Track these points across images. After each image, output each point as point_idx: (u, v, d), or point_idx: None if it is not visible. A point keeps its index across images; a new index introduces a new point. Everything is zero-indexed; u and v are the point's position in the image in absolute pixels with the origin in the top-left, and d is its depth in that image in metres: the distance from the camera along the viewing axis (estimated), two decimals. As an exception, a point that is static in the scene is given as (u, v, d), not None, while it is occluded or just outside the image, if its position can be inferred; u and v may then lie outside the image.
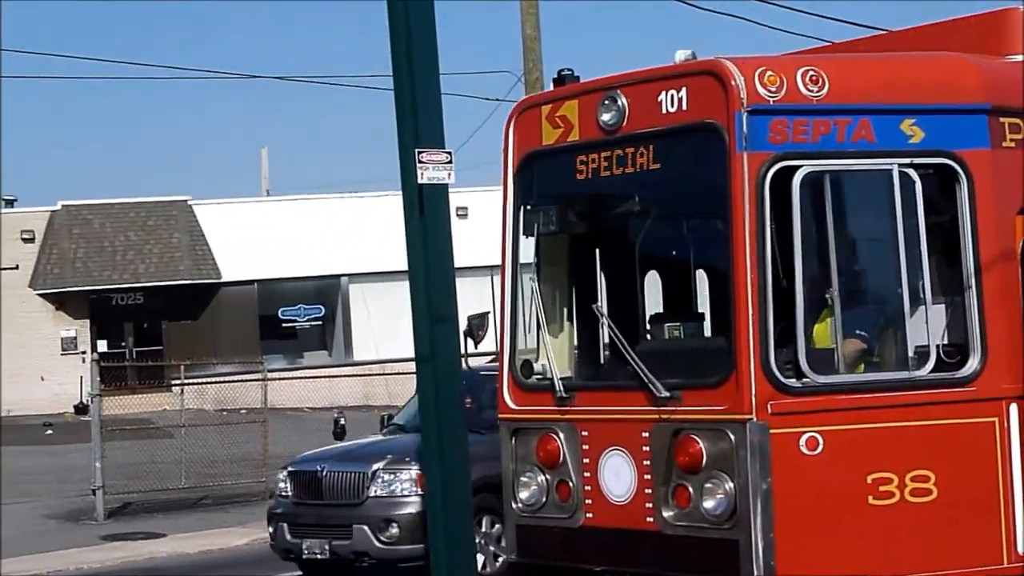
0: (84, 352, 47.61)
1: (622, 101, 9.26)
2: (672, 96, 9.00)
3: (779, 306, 8.60)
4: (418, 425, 15.49)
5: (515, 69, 27.22)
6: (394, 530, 14.71)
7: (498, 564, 14.80)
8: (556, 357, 9.93)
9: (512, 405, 10.00)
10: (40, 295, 49.10)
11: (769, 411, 8.45)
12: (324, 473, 15.77)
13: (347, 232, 49.96)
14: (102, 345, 48.92)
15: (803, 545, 8.57)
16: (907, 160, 8.72)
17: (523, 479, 9.77)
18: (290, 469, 16.71)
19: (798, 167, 8.61)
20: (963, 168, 8.85)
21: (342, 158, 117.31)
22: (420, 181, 10.97)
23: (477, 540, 13.79)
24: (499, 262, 10.37)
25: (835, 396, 8.65)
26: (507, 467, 10.03)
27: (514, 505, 9.89)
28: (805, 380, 8.58)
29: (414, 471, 14.62)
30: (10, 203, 51.64)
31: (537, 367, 9.85)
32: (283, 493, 16.64)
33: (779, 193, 8.59)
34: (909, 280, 8.73)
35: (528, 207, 10.02)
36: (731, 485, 8.58)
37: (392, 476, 15.09)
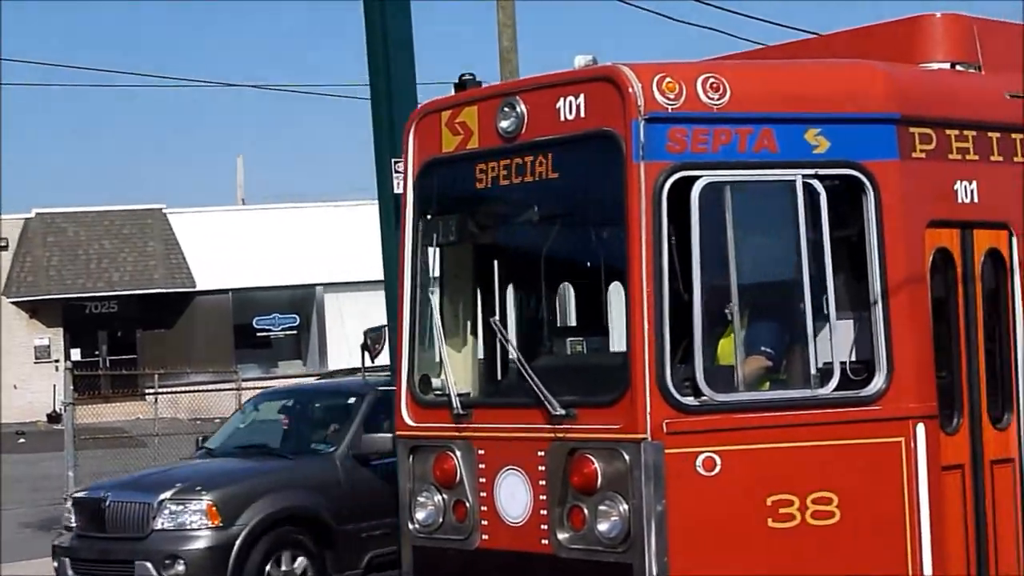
0: (57, 360, 46.96)
1: (521, 108, 8.97)
2: (570, 103, 8.73)
3: (679, 322, 8.34)
4: (228, 449, 15.53)
5: (493, 80, 27.04)
6: (180, 567, 13.21)
7: None
8: (458, 372, 9.66)
9: (410, 422, 9.68)
10: (13, 303, 49.18)
11: (665, 430, 8.16)
12: (108, 503, 14.07)
13: (323, 241, 49.80)
14: (76, 353, 48.35)
15: (699, 569, 8.27)
16: (811, 171, 8.45)
17: (420, 499, 9.48)
18: (75, 496, 15.42)
19: (697, 177, 8.33)
20: (870, 179, 8.59)
21: (318, 168, 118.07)
22: (396, 191, 10.92)
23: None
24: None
25: (734, 415, 8.38)
26: (404, 486, 9.74)
27: (410, 526, 9.59)
28: (703, 398, 8.28)
29: (205, 501, 13.41)
30: None
31: (436, 382, 9.46)
32: (68, 524, 14.95)
33: (678, 204, 8.32)
34: (813, 295, 8.47)
35: (428, 217, 9.71)
36: (625, 507, 8.28)
37: (180, 507, 13.55)
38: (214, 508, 13.09)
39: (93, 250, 51.29)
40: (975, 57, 9.61)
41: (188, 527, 13.31)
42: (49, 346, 50.36)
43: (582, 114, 8.66)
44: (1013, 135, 9.35)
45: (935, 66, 9.58)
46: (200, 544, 13.20)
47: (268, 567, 13.21)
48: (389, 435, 12.84)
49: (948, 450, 8.84)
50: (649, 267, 8.24)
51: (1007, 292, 9.23)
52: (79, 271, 50.59)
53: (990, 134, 9.23)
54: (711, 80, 8.41)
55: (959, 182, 9.02)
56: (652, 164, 8.30)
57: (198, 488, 13.55)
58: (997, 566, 9.01)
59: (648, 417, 8.15)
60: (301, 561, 13.50)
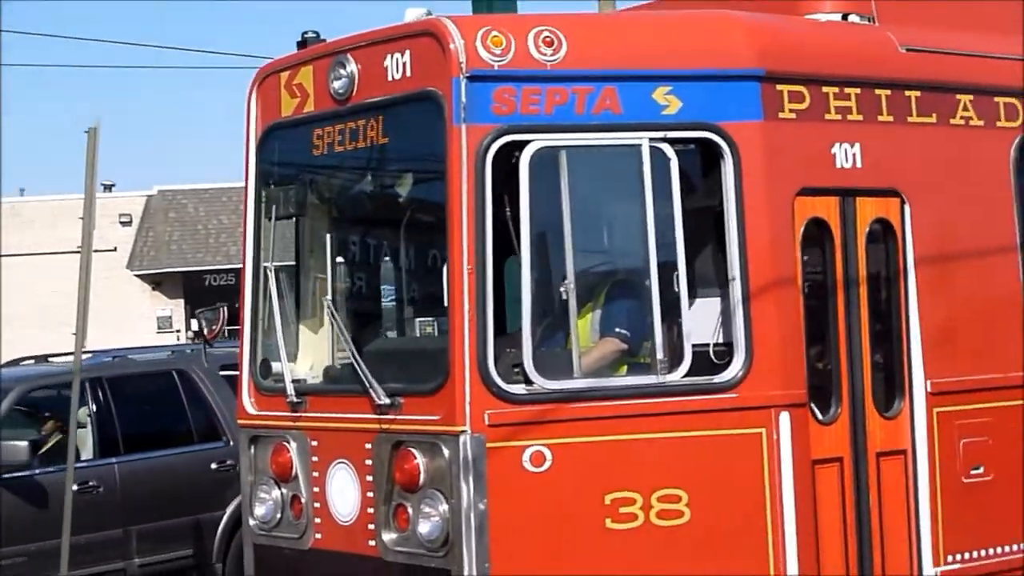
0: (179, 330, 49.96)
1: (351, 67, 8.34)
2: (397, 61, 8.08)
3: (514, 303, 7.82)
4: None
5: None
6: None
7: None
8: (313, 357, 9.13)
9: (250, 410, 9.10)
10: (137, 276, 51.19)
11: (487, 422, 7.49)
12: None
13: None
14: (195, 324, 49.82)
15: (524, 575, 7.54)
16: (660, 134, 7.76)
17: (260, 493, 8.91)
18: None
19: (527, 142, 7.64)
20: (728, 142, 7.88)
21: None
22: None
23: None
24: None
25: (568, 405, 7.67)
26: (245, 479, 9.17)
27: (251, 522, 9.01)
28: (532, 387, 7.59)
29: None
30: (108, 188, 54.31)
31: (276, 367, 8.78)
32: None
33: (507, 172, 7.68)
34: (660, 272, 7.75)
35: (269, 186, 9.13)
36: (445, 507, 7.63)
37: None
38: None
39: (212, 225, 53.40)
40: (868, 9, 8.78)
41: None
42: (171, 317, 52.49)
43: (408, 73, 8.02)
44: (907, 92, 8.50)
45: (823, 18, 8.81)
46: None
47: None
48: (24, 442, 12.02)
49: (824, 441, 8.19)
50: (471, 241, 7.59)
51: (898, 265, 8.53)
52: (199, 245, 52.89)
53: (878, 91, 8.49)
54: (544, 34, 7.72)
55: (838, 145, 8.29)
56: (475, 127, 7.63)
57: None
58: (884, 566, 8.36)
59: (468, 408, 7.50)
60: None
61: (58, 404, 12.97)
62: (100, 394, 12.79)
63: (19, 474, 12.18)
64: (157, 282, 51.08)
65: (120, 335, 44.29)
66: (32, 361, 15.85)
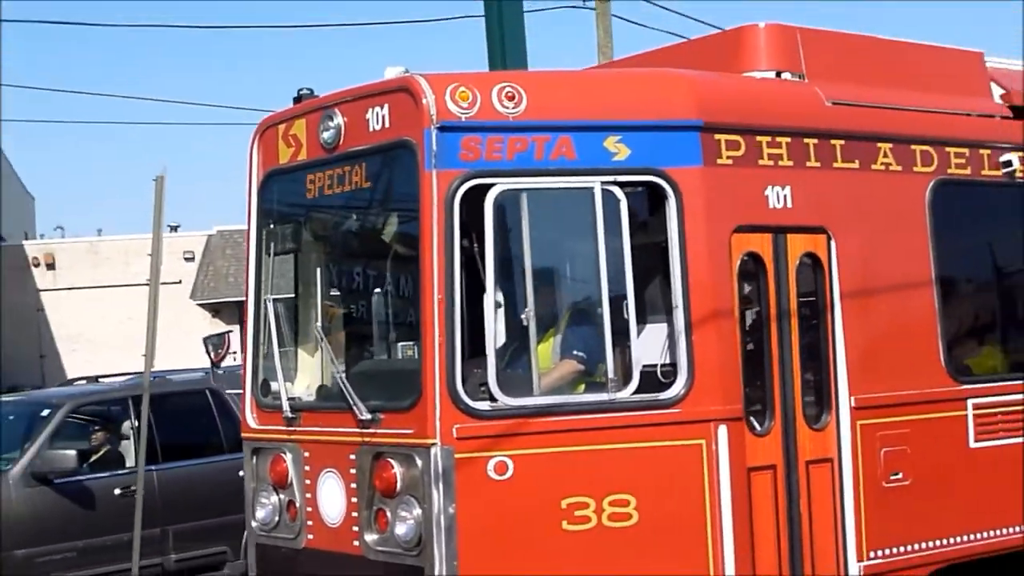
0: (235, 352, 48.57)
1: (338, 120, 8.39)
2: (377, 114, 8.13)
3: (477, 328, 7.71)
4: None
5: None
6: None
7: None
8: (308, 378, 9.13)
9: (252, 424, 9.12)
10: (199, 305, 51.08)
11: (455, 435, 7.50)
12: None
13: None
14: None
15: (490, 572, 7.57)
16: (610, 178, 7.77)
17: (260, 499, 8.94)
18: None
19: (492, 185, 7.67)
20: (672, 185, 7.90)
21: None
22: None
23: None
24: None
25: (528, 419, 7.67)
26: (248, 486, 9.16)
27: (253, 524, 9.02)
28: (495, 404, 7.60)
29: None
30: (174, 228, 54.39)
31: (275, 387, 8.77)
32: None
33: (474, 211, 7.67)
34: (611, 301, 7.76)
35: (269, 226, 9.13)
36: (419, 511, 7.64)
37: None
38: None
39: (264, 261, 53.56)
40: (798, 65, 8.81)
41: None
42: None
43: (386, 124, 8.07)
44: (833, 141, 8.53)
45: (759, 74, 8.80)
46: None
47: None
48: (73, 451, 12.06)
49: (758, 451, 8.18)
50: (441, 273, 7.61)
51: (825, 294, 8.54)
52: (252, 279, 52.77)
53: (806, 140, 8.50)
54: (507, 89, 7.76)
55: (771, 187, 8.31)
56: (444, 172, 7.66)
57: None
58: (814, 563, 8.31)
59: (438, 423, 7.51)
60: None
61: (106, 418, 13.15)
62: (132, 408, 12.81)
63: (69, 479, 12.21)
64: (216, 310, 51.27)
65: (184, 356, 44.85)
66: (84, 381, 15.92)
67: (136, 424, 12.55)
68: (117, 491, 12.40)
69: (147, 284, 11.42)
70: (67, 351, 32.21)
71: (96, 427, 13.01)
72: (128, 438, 12.86)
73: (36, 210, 53.28)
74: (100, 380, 15.60)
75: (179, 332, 46.46)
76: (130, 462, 12.71)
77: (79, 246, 39.36)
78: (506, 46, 13.68)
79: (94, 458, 12.65)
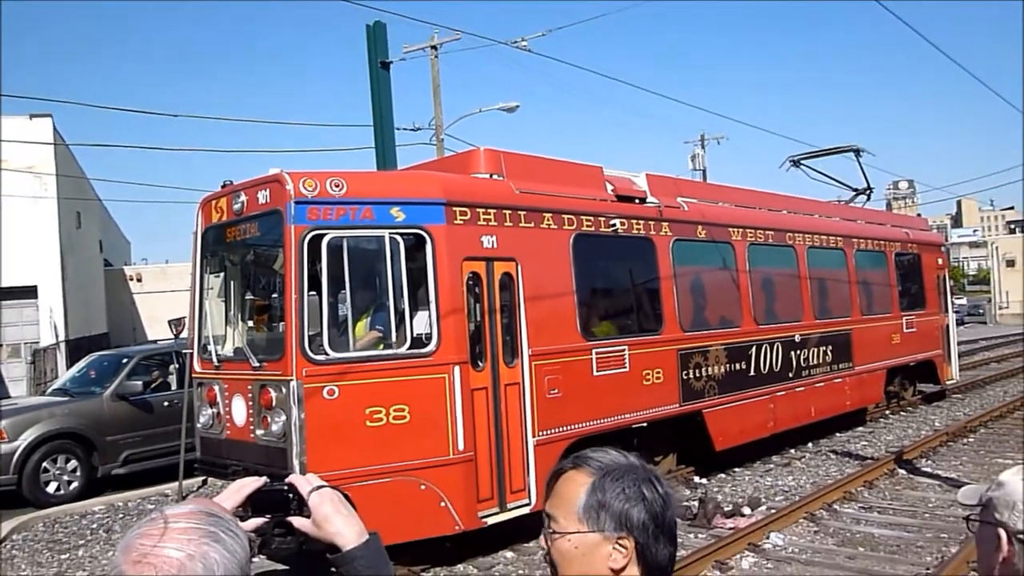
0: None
1: (243, 197, 7.73)
2: (264, 194, 7.56)
3: (318, 315, 7.11)
4: (54, 390, 12.99)
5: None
6: None
7: (71, 488, 11.26)
8: (226, 343, 8.36)
9: (197, 369, 8.35)
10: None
11: (304, 375, 6.96)
12: None
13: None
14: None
15: (324, 452, 7.05)
16: (394, 230, 7.32)
17: (202, 412, 8.14)
18: None
19: (325, 234, 7.12)
20: (428, 235, 7.50)
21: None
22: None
23: (55, 471, 11.22)
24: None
25: (345, 365, 7.15)
26: (195, 404, 8.39)
27: (198, 425, 8.25)
28: (328, 356, 7.08)
29: (1, 425, 11.01)
30: None
31: (209, 348, 8.01)
32: None
33: (315, 249, 7.11)
34: (395, 299, 7.37)
35: (206, 256, 8.35)
36: (284, 418, 7.09)
37: None
38: (3, 431, 11.02)
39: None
40: (501, 171, 8.51)
41: None
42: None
43: (268, 200, 7.48)
44: (519, 212, 8.27)
45: (480, 175, 8.39)
46: None
47: (45, 464, 11.19)
48: (140, 382, 11.82)
49: (478, 379, 7.78)
50: (296, 286, 7.09)
51: (514, 294, 8.25)
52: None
53: (504, 211, 8.21)
54: (335, 180, 7.25)
55: (485, 236, 7.96)
56: (299, 226, 7.11)
57: None
58: (509, 441, 8.00)
59: (294, 367, 6.97)
60: (72, 463, 11.34)
61: (160, 363, 12.63)
62: (176, 359, 12.25)
63: (137, 397, 11.92)
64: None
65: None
66: (154, 342, 16.48)
67: (176, 366, 12.23)
68: (165, 404, 11.99)
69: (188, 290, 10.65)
70: (148, 327, 30.31)
71: (153, 368, 12.38)
72: (172, 374, 12.36)
73: (131, 248, 50.03)
74: (157, 343, 15.40)
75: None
76: (174, 386, 12.33)
77: (155, 268, 37.06)
78: (386, 159, 13.32)
79: (152, 386, 12.12)
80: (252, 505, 1.51)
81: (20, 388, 23.66)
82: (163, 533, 1.12)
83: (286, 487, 1.51)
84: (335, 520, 1.44)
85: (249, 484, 1.51)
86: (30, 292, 24.69)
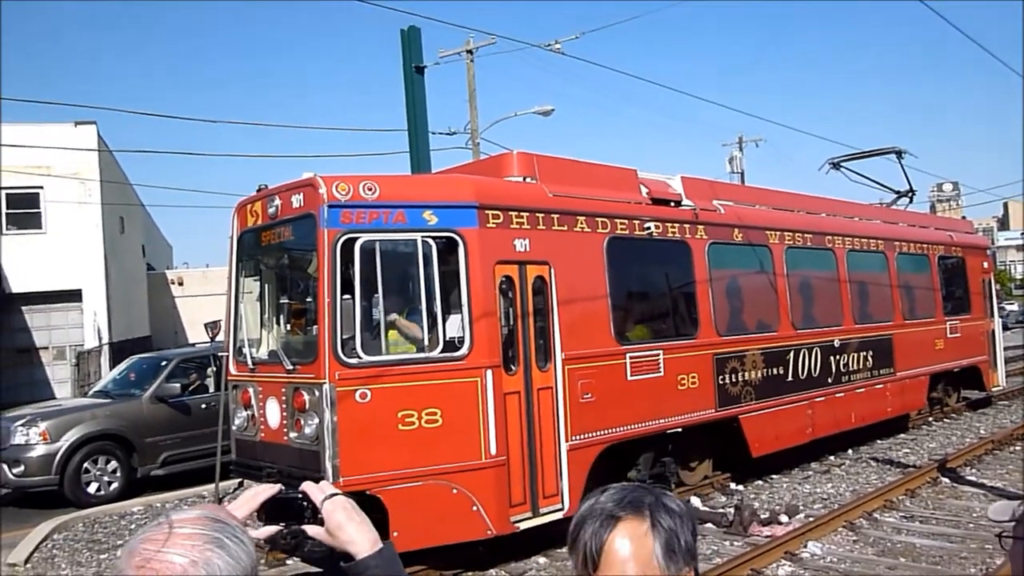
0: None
1: (277, 201, 7.77)
2: (297, 198, 7.57)
3: (351, 319, 7.12)
4: (94, 392, 13.19)
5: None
6: (22, 467, 10.99)
7: (111, 489, 11.47)
8: (258, 345, 8.41)
9: (233, 371, 8.41)
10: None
11: (337, 378, 6.97)
12: None
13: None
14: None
15: (356, 455, 7.04)
16: (427, 234, 7.32)
17: (237, 413, 8.20)
18: None
19: (358, 237, 7.13)
20: (461, 238, 7.47)
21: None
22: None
23: (96, 472, 11.37)
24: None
25: (378, 368, 7.15)
26: (230, 407, 8.41)
27: (234, 427, 8.29)
28: (360, 359, 7.07)
29: (41, 428, 11.14)
30: None
31: (244, 351, 8.10)
32: None
33: (349, 253, 7.13)
34: (428, 302, 7.30)
35: (241, 260, 8.45)
36: (317, 420, 7.12)
37: (25, 431, 11.15)
38: (46, 432, 11.14)
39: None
40: (535, 174, 8.45)
41: (28, 443, 11.09)
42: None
43: (301, 204, 7.50)
44: (553, 215, 8.21)
45: (513, 179, 8.36)
46: (34, 453, 11.05)
47: (86, 465, 11.37)
48: (178, 384, 11.96)
49: (510, 383, 7.71)
50: (330, 289, 7.11)
51: (548, 298, 8.17)
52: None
53: (538, 214, 8.15)
54: (368, 183, 7.26)
55: (518, 239, 7.91)
56: (332, 230, 7.12)
57: (37, 420, 11.31)
58: (542, 446, 7.92)
59: (327, 370, 6.97)
60: (112, 464, 11.51)
61: (198, 365, 12.77)
62: (214, 362, 12.31)
63: (176, 399, 12.07)
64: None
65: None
66: (193, 345, 16.71)
67: (214, 368, 12.26)
68: (203, 406, 12.09)
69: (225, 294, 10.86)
70: (189, 330, 30.82)
71: (192, 371, 12.51)
72: (210, 376, 12.45)
73: (174, 252, 50.97)
74: (196, 345, 15.49)
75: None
76: (212, 389, 12.45)
77: (196, 272, 37.72)
78: (420, 163, 13.43)
79: (190, 388, 12.24)
80: (266, 513, 1.51)
81: (65, 390, 24.20)
82: (167, 538, 1.11)
83: (300, 495, 1.51)
84: (348, 528, 1.43)
85: (263, 492, 1.51)
86: (75, 296, 25.26)
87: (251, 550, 1.19)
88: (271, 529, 1.53)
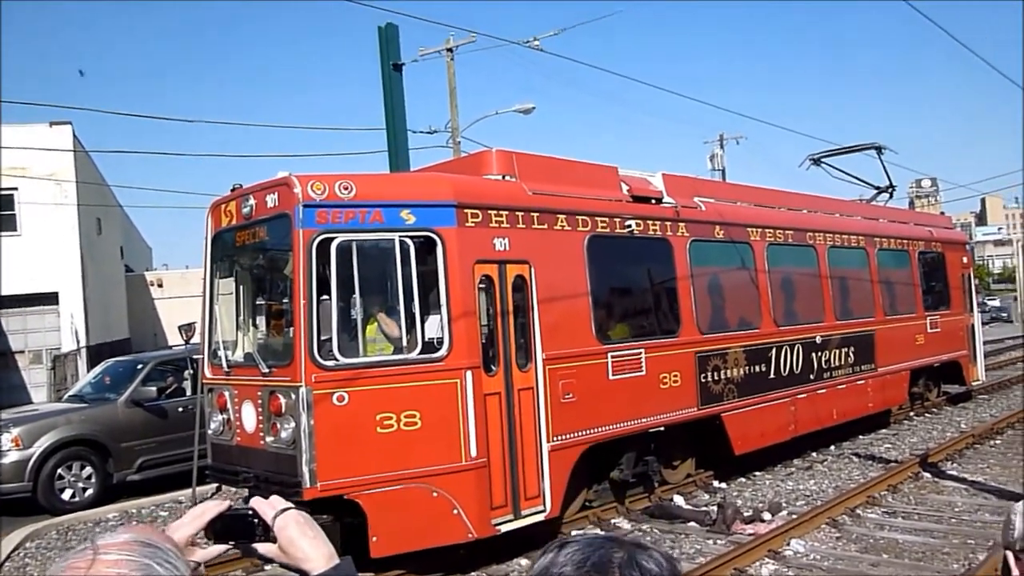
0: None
1: (251, 201, 7.63)
2: (272, 197, 7.45)
3: (328, 320, 6.97)
4: (69, 397, 12.92)
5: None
6: None
7: (86, 495, 11.19)
8: (233, 347, 8.24)
9: (208, 375, 8.23)
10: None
11: (313, 380, 6.85)
12: None
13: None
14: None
15: (334, 459, 6.93)
16: (405, 233, 7.16)
17: (213, 417, 8.03)
18: None
19: (334, 237, 7.00)
20: (439, 237, 7.34)
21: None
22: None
23: (71, 478, 11.16)
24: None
25: (355, 370, 7.02)
26: (206, 410, 8.24)
27: (209, 431, 8.11)
28: (337, 361, 6.95)
29: (13, 434, 10.81)
30: None
31: (220, 353, 7.95)
32: None
33: (324, 253, 6.99)
34: (406, 303, 7.19)
35: (216, 261, 8.28)
36: (294, 424, 6.97)
37: None
38: (18, 438, 10.84)
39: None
40: (514, 172, 8.36)
41: (0, 450, 10.75)
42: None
43: (276, 204, 7.38)
44: (532, 213, 8.10)
45: (492, 177, 8.24)
46: (6, 460, 10.72)
47: (60, 471, 11.13)
48: (154, 388, 11.79)
49: (490, 384, 7.62)
50: (305, 290, 6.99)
51: (527, 297, 8.08)
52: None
53: (517, 213, 8.04)
54: (344, 183, 7.14)
55: (497, 238, 7.79)
56: (307, 230, 6.99)
57: (9, 425, 10.99)
58: (523, 447, 7.83)
59: (303, 373, 6.84)
60: (87, 469, 11.24)
61: (174, 369, 12.58)
62: (191, 364, 12.10)
63: (152, 403, 11.89)
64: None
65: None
66: (170, 348, 16.73)
67: (191, 371, 12.05)
68: (180, 409, 11.87)
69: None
70: (169, 333, 30.48)
71: (168, 374, 12.31)
72: (187, 379, 12.21)
73: (152, 254, 50.45)
74: (173, 348, 15.30)
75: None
76: (189, 392, 12.21)
77: (176, 274, 37.28)
78: (399, 162, 13.32)
79: (167, 391, 12.05)
80: (214, 531, 1.42)
81: (42, 394, 23.84)
82: (90, 565, 1.03)
83: (250, 512, 1.42)
84: (301, 544, 1.34)
85: (211, 509, 1.42)
86: (51, 298, 24.88)
87: (185, 574, 1.11)
88: (219, 548, 1.45)
